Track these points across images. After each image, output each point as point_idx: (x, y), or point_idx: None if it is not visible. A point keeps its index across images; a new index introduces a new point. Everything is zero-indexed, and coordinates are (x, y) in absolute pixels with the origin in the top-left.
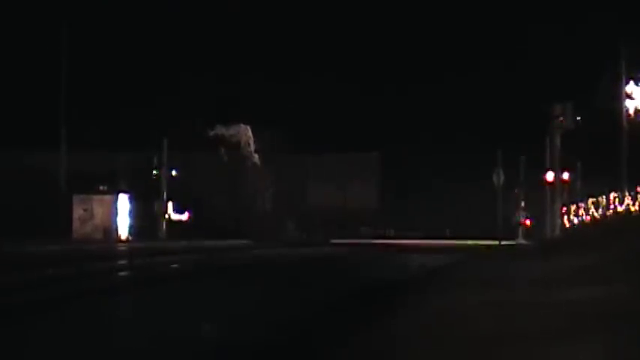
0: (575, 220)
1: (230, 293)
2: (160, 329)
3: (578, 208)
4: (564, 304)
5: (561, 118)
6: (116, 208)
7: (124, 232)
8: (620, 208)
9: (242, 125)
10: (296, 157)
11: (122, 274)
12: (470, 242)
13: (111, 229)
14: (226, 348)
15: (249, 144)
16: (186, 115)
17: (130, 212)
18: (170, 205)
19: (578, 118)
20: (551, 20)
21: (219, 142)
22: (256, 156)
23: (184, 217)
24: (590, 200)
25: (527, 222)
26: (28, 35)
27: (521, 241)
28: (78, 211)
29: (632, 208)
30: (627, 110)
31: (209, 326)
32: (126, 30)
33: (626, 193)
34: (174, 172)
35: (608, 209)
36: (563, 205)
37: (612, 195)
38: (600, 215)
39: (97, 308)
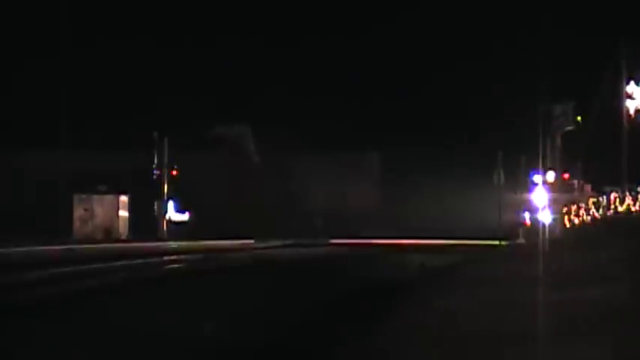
0: (576, 221)
1: (231, 292)
2: (160, 327)
3: (578, 208)
4: (564, 304)
5: (561, 118)
6: (117, 208)
7: (124, 232)
8: (620, 208)
9: (242, 125)
10: (296, 157)
11: (123, 274)
12: (470, 242)
13: (111, 229)
14: (226, 347)
15: (249, 144)
16: (186, 115)
17: (131, 212)
18: (171, 204)
19: (579, 118)
20: (551, 20)
21: (220, 142)
22: (256, 156)
23: (185, 216)
24: (591, 200)
25: (528, 222)
26: (28, 34)
27: (521, 241)
28: (78, 211)
29: (633, 208)
30: (627, 110)
31: (210, 325)
32: (126, 30)
33: (627, 193)
34: (174, 172)
35: (609, 209)
36: (564, 205)
37: (613, 195)
38: (601, 215)
39: (103, 306)
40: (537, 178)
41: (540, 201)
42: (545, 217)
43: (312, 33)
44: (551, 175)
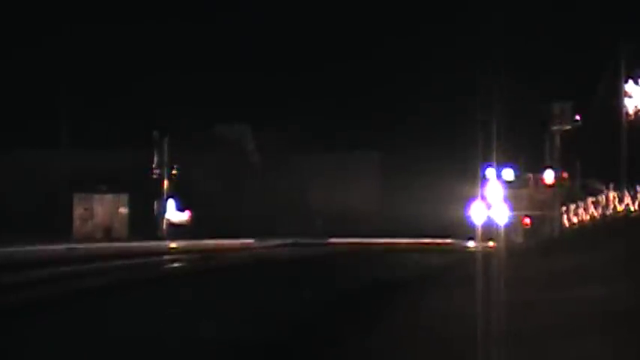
0: (575, 220)
1: (231, 292)
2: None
3: (577, 207)
4: (563, 304)
5: (560, 118)
6: (117, 208)
7: (124, 231)
8: (619, 208)
9: (242, 125)
10: (296, 157)
11: (123, 274)
12: (469, 241)
13: (111, 228)
14: (226, 347)
15: (249, 143)
16: (186, 115)
17: (130, 211)
18: (170, 204)
19: (578, 118)
20: (551, 19)
21: (220, 141)
22: (256, 155)
23: (185, 216)
24: (590, 199)
25: (527, 221)
26: (29, 34)
27: (520, 240)
28: (79, 211)
29: (632, 208)
30: (626, 109)
31: (210, 325)
32: (126, 30)
33: (626, 193)
34: (174, 172)
35: (608, 208)
36: (563, 204)
37: (611, 194)
38: (600, 214)
39: (103, 306)
40: (490, 173)
41: (494, 197)
42: (501, 215)
43: (312, 32)
44: (549, 175)
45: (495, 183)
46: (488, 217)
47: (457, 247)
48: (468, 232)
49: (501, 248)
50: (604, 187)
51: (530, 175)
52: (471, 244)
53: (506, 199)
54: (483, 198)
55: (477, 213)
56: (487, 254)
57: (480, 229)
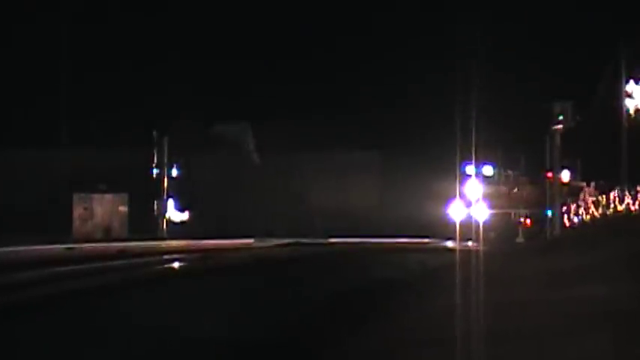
0: (576, 220)
1: (230, 292)
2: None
3: (578, 207)
4: (563, 303)
5: (561, 117)
6: (116, 207)
7: (124, 230)
8: (620, 207)
9: (242, 123)
10: (296, 156)
11: (122, 274)
12: (447, 241)
13: (111, 228)
14: (225, 347)
15: (249, 142)
16: (186, 114)
17: (130, 211)
18: (170, 204)
19: (578, 117)
20: (551, 19)
21: (219, 140)
22: (256, 154)
23: (185, 216)
24: (591, 199)
25: (528, 221)
26: (28, 33)
27: (520, 240)
28: (78, 210)
29: (632, 207)
30: (627, 109)
31: (209, 325)
32: (125, 28)
33: (626, 192)
34: (174, 171)
35: (609, 208)
36: (564, 204)
37: (612, 194)
38: (600, 214)
39: (102, 306)
40: (470, 170)
41: (473, 194)
42: (480, 212)
43: (309, 29)
44: (550, 175)
45: (475, 180)
46: (468, 215)
47: (439, 247)
48: (448, 231)
49: (491, 248)
50: (584, 185)
51: (510, 172)
52: (449, 243)
53: (485, 196)
54: (463, 196)
55: (457, 211)
56: (475, 253)
57: (459, 227)
